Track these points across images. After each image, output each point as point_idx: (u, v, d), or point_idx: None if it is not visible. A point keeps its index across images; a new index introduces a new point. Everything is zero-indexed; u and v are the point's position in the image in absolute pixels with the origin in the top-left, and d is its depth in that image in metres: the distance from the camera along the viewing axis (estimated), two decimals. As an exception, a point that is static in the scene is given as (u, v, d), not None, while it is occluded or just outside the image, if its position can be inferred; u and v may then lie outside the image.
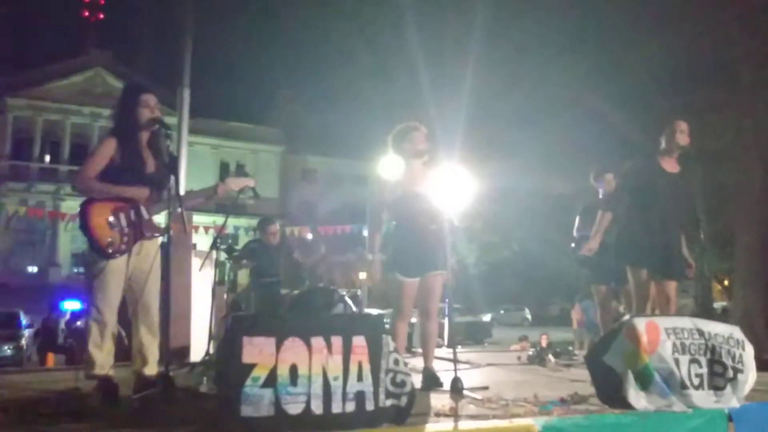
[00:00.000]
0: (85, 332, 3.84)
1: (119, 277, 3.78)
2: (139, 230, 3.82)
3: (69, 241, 37.84)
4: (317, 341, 3.05)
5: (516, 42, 16.65)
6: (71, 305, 21.90)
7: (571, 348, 7.56)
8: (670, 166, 4.95)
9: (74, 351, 11.77)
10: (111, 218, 3.75)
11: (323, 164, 43.14)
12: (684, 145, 4.93)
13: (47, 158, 38.59)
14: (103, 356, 3.74)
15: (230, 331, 3.01)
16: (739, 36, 14.80)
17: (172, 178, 3.84)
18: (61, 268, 37.35)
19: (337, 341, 3.08)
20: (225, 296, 6.33)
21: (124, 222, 3.77)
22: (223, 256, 5.92)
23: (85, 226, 3.74)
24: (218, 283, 6.06)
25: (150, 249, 3.90)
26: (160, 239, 3.89)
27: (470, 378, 4.16)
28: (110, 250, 3.72)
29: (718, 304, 27.11)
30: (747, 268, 15.47)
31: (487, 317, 30.30)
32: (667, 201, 4.80)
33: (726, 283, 24.66)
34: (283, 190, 40.95)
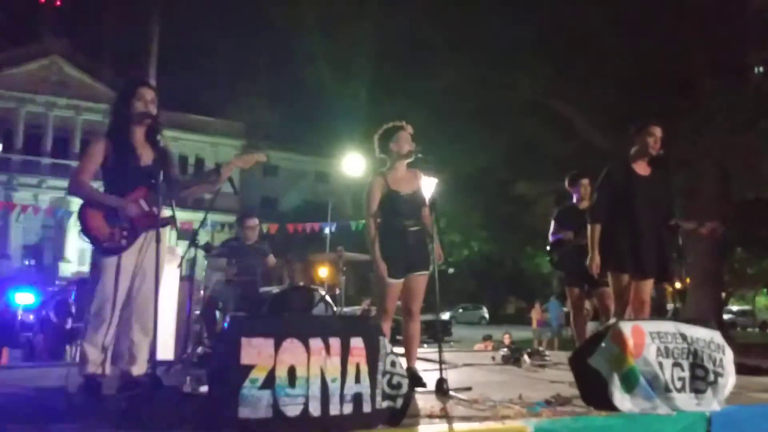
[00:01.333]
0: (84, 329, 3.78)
1: (120, 273, 3.75)
2: (139, 223, 3.79)
3: (21, 232, 36.95)
4: (315, 342, 3.04)
5: (481, 44, 16.81)
6: (24, 298, 21.34)
7: (541, 349, 7.65)
8: (642, 169, 5.03)
9: (33, 346, 11.47)
10: (109, 215, 3.74)
11: (285, 160, 42.86)
12: (656, 149, 5.00)
13: (0, 147, 37.53)
14: (97, 354, 3.69)
15: (228, 332, 2.99)
16: (698, 46, 15.22)
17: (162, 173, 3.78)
18: (11, 260, 36.37)
19: (335, 343, 3.08)
20: (201, 293, 6.27)
21: (122, 217, 3.73)
22: (200, 253, 5.83)
23: (84, 228, 3.75)
24: (190, 280, 6.00)
25: (150, 243, 3.85)
26: (162, 231, 3.82)
27: (450, 378, 4.18)
28: (112, 246, 3.71)
29: (668, 306, 27.78)
30: (701, 273, 15.95)
31: (445, 316, 30.56)
32: (643, 204, 4.87)
33: (677, 285, 25.23)
34: (243, 186, 40.56)
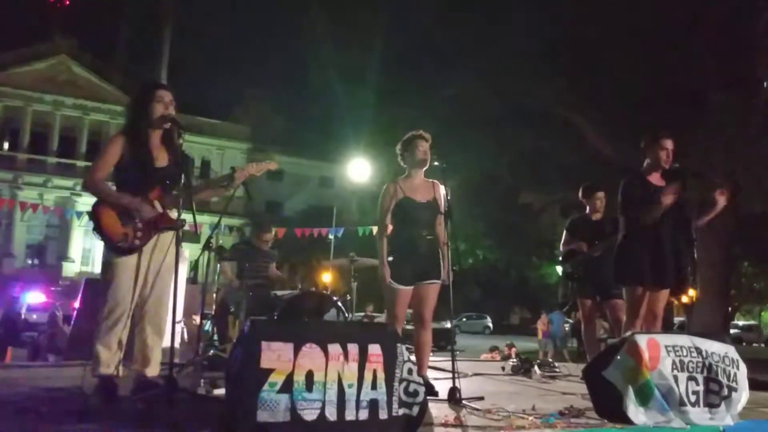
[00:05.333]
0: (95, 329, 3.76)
1: (133, 274, 3.73)
2: (153, 224, 3.77)
3: (25, 231, 37.04)
4: (334, 348, 3.05)
5: (492, 53, 16.84)
6: (27, 297, 21.39)
7: (550, 360, 7.64)
8: (657, 180, 4.98)
9: (37, 345, 11.48)
10: (122, 214, 3.72)
11: (290, 164, 42.88)
12: (668, 163, 4.97)
13: (5, 146, 37.64)
14: (110, 355, 3.67)
15: (248, 335, 2.99)
16: (708, 59, 15.24)
17: (183, 177, 3.78)
18: (15, 259, 36.43)
19: (353, 349, 3.09)
20: (214, 296, 6.28)
21: (136, 217, 3.72)
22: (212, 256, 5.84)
23: (97, 227, 3.72)
24: (199, 282, 6.01)
25: (165, 244, 3.85)
26: (173, 234, 3.82)
27: (461, 387, 4.17)
28: (125, 246, 3.68)
29: (675, 320, 27.74)
30: (709, 287, 15.91)
31: (449, 324, 30.35)
32: (662, 215, 4.82)
33: (684, 299, 25.20)
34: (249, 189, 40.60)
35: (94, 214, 3.75)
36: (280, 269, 6.85)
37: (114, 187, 3.85)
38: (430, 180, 4.80)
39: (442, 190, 4.76)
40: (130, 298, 3.74)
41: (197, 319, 6.98)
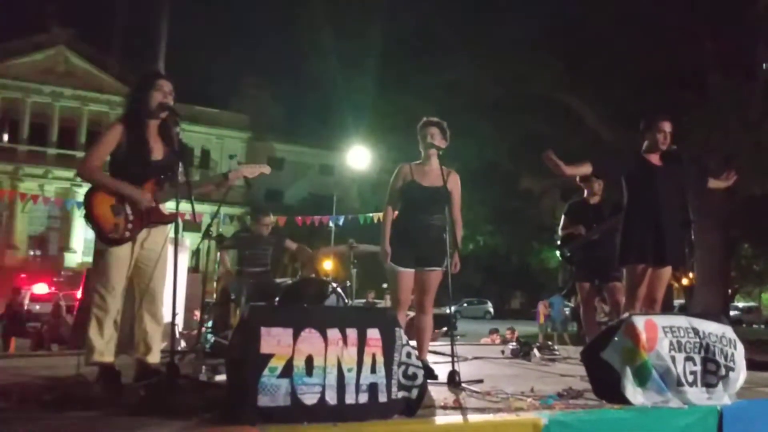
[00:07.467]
0: (87, 319, 3.79)
1: (123, 264, 3.75)
2: (146, 217, 3.79)
3: (26, 223, 37.06)
4: (333, 333, 3.08)
5: (491, 39, 16.78)
6: (29, 288, 21.49)
7: (550, 343, 7.67)
8: (656, 161, 5.01)
9: (42, 335, 11.55)
10: (115, 205, 3.73)
11: (290, 152, 42.87)
12: (666, 145, 4.99)
13: (5, 137, 37.59)
14: (103, 343, 3.71)
15: (248, 321, 3.02)
16: (707, 41, 15.20)
17: (181, 165, 3.80)
18: (17, 251, 36.48)
19: (352, 333, 3.12)
20: (215, 284, 6.31)
21: (128, 209, 3.75)
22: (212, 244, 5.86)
23: (89, 215, 3.73)
24: (200, 271, 6.03)
25: (157, 237, 3.87)
26: (169, 227, 3.85)
27: (461, 371, 4.20)
28: (115, 237, 3.70)
29: (675, 302, 27.82)
30: (708, 269, 15.96)
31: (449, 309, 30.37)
32: (661, 193, 4.84)
33: (684, 282, 25.29)
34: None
35: (87, 202, 3.75)
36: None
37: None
38: (446, 168, 4.76)
39: (457, 179, 4.77)
40: (120, 287, 3.77)
41: (197, 314, 7.02)
